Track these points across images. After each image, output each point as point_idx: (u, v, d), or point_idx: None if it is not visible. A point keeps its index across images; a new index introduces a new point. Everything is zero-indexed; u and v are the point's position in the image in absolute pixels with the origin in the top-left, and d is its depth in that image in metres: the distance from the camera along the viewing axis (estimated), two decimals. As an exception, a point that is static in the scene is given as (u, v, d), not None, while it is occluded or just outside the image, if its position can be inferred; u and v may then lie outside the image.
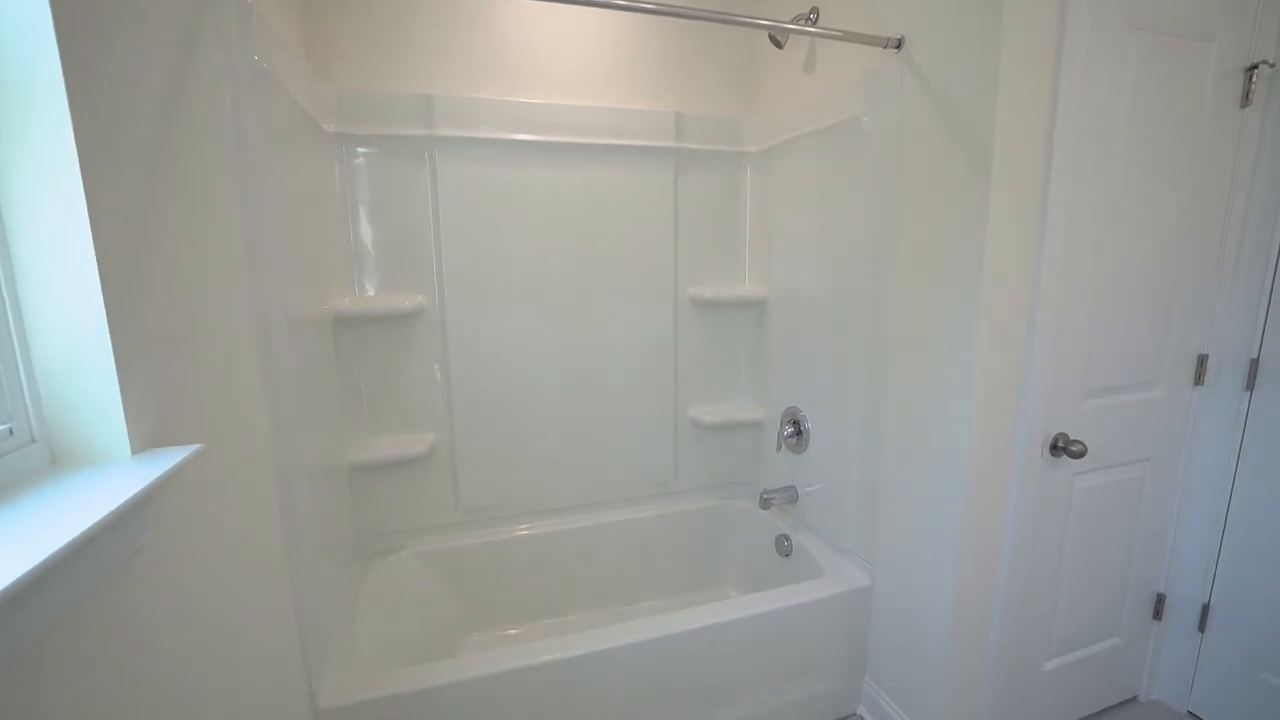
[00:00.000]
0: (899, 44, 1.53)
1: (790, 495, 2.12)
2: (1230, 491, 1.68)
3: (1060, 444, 1.51)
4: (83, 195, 0.62)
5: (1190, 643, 1.81)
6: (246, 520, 1.03)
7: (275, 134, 1.28)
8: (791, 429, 2.07)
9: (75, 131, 0.62)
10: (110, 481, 0.61)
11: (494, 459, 2.09)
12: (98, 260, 0.64)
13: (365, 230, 1.86)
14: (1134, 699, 1.91)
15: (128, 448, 0.68)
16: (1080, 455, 1.48)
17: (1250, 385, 1.61)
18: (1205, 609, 1.77)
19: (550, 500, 2.20)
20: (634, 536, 2.27)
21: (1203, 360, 1.67)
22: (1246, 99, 1.53)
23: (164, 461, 0.66)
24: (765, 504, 2.12)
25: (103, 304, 0.65)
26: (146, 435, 0.72)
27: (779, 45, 2.04)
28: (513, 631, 2.13)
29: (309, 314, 1.50)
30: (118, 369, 0.67)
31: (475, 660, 1.44)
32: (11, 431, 0.64)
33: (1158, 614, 1.85)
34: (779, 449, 2.12)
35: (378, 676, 1.39)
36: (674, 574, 2.33)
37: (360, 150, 1.82)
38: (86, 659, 0.60)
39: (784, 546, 2.09)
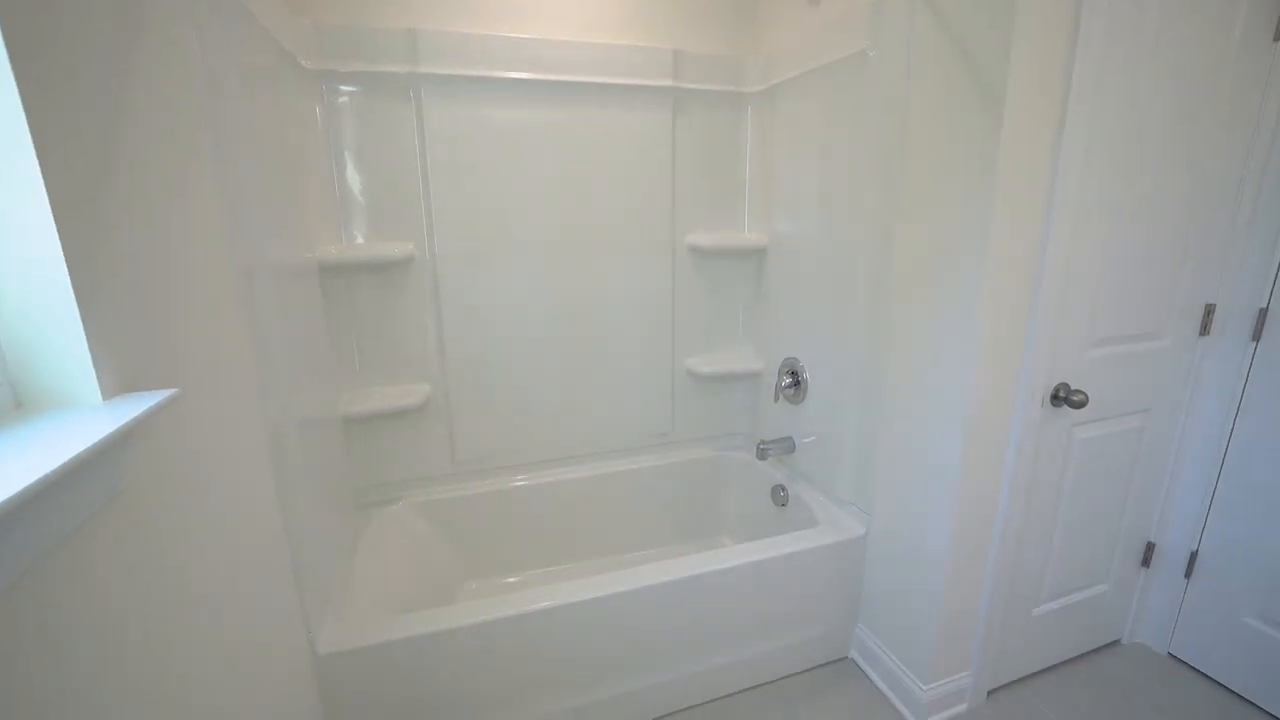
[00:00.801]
0: (912, -30, 1.43)
1: (787, 446, 2.12)
2: (1228, 441, 1.67)
3: (1062, 394, 1.49)
4: (27, 131, 0.58)
5: (1176, 589, 1.84)
6: (235, 468, 1.01)
7: (249, 71, 1.21)
8: (790, 380, 2.05)
9: (11, 61, 0.56)
10: (79, 425, 0.58)
11: (489, 410, 2.08)
12: (50, 200, 0.60)
13: (351, 175, 1.79)
14: (1117, 642, 1.96)
15: (98, 393, 0.65)
16: (1081, 405, 1.46)
17: (1257, 336, 1.59)
18: (1193, 556, 1.79)
19: (547, 451, 2.20)
20: (631, 487, 2.28)
21: (1210, 310, 1.64)
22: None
23: (136, 405, 0.63)
24: (762, 455, 2.12)
25: (59, 245, 0.61)
26: (118, 380, 0.69)
27: (784, -25, 1.93)
28: (511, 580, 2.16)
29: (293, 261, 1.45)
30: (81, 313, 0.63)
31: (472, 606, 1.46)
32: (-27, 376, 0.61)
33: (1146, 561, 1.88)
34: (777, 400, 2.10)
35: (375, 623, 1.40)
36: (671, 524, 2.35)
37: (343, 89, 1.73)
38: (61, 605, 0.58)
39: (780, 497, 2.10)
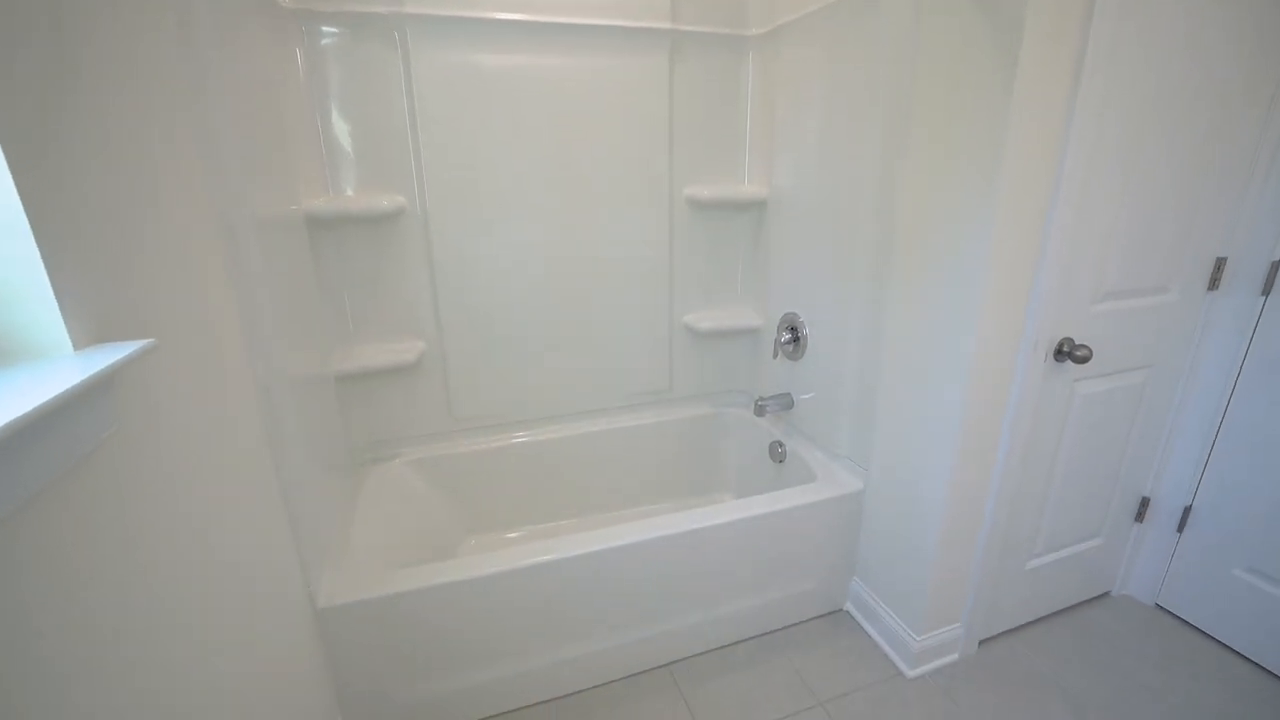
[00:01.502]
0: (927, -103, 1.34)
1: (786, 402, 2.11)
2: (1229, 397, 1.66)
3: (1065, 349, 1.47)
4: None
5: (1167, 542, 1.86)
6: (226, 422, 0.99)
7: (223, 9, 1.14)
8: (789, 336, 2.02)
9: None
10: (49, 375, 0.56)
11: (486, 367, 2.06)
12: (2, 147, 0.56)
13: (337, 123, 1.72)
14: (1106, 594, 1.99)
15: (69, 343, 0.62)
16: (1085, 361, 1.44)
17: (1267, 290, 1.56)
18: (1187, 511, 1.81)
19: (545, 409, 2.18)
20: (630, 444, 2.28)
21: (1220, 264, 1.60)
22: (1309, -33, 1.37)
23: (109, 355, 0.61)
24: (760, 411, 2.11)
25: (15, 190, 0.57)
26: (90, 331, 0.66)
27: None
28: (511, 536, 2.18)
29: (278, 213, 1.40)
30: (45, 262, 0.60)
31: (472, 561, 1.46)
32: (-63, 326, 0.58)
33: (1140, 516, 1.89)
34: (776, 356, 2.08)
35: (374, 577, 1.41)
36: (669, 480, 2.36)
37: (324, 30, 1.65)
38: (49, 549, 0.57)
39: (778, 453, 2.10)
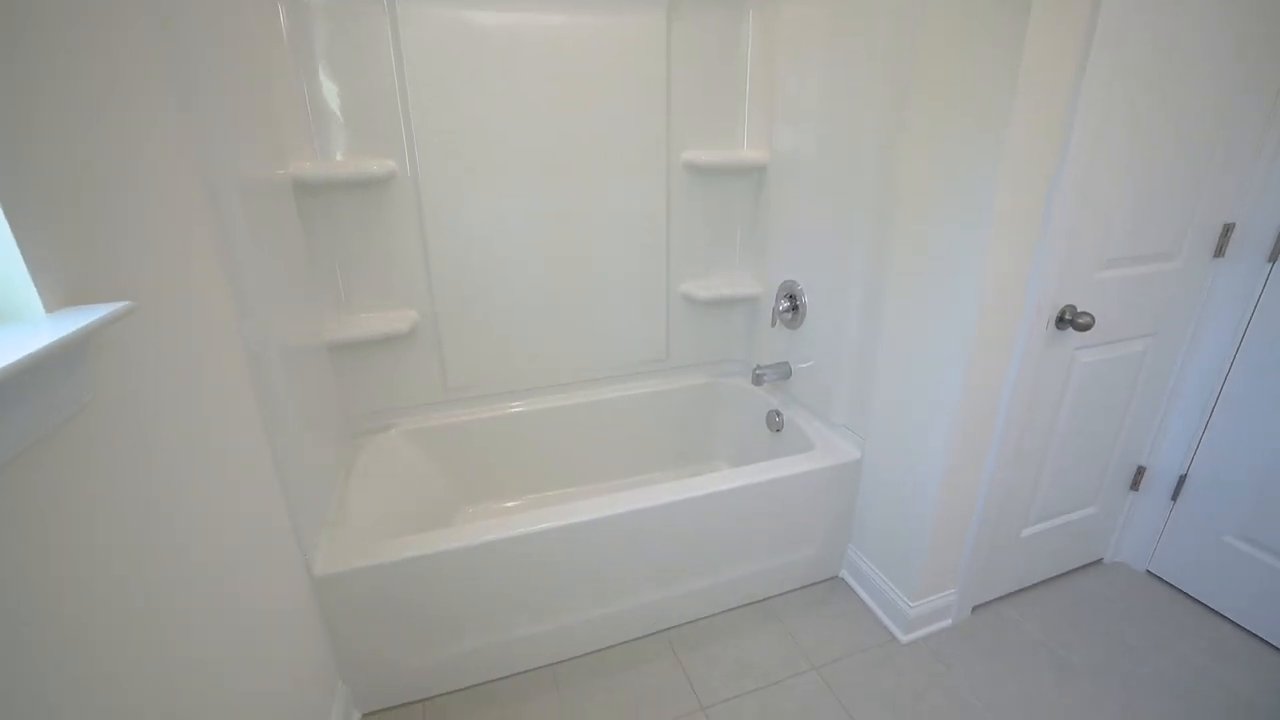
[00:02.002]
0: None
1: (783, 371, 2.09)
2: (1230, 366, 1.65)
3: (1067, 316, 1.45)
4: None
5: (1161, 510, 1.87)
6: (214, 389, 0.97)
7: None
8: (788, 304, 2.00)
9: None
10: (19, 336, 0.53)
11: (480, 336, 2.03)
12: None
13: (323, 84, 1.65)
14: (1099, 561, 2.01)
15: (39, 304, 0.60)
16: (1087, 328, 1.42)
17: (1274, 257, 1.53)
18: (1181, 480, 1.81)
19: (541, 378, 2.17)
20: (626, 413, 2.27)
21: (1228, 230, 1.57)
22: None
23: (83, 317, 0.58)
24: (758, 380, 2.10)
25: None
26: (63, 293, 0.63)
27: None
28: (509, 505, 2.18)
29: (263, 177, 1.36)
30: (9, 220, 0.57)
31: (468, 529, 1.46)
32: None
33: (1135, 485, 1.90)
34: (774, 325, 2.06)
35: (371, 545, 1.41)
36: (667, 450, 2.36)
37: (306, -17, 1.58)
38: (7, 527, 0.56)
39: (775, 422, 2.10)
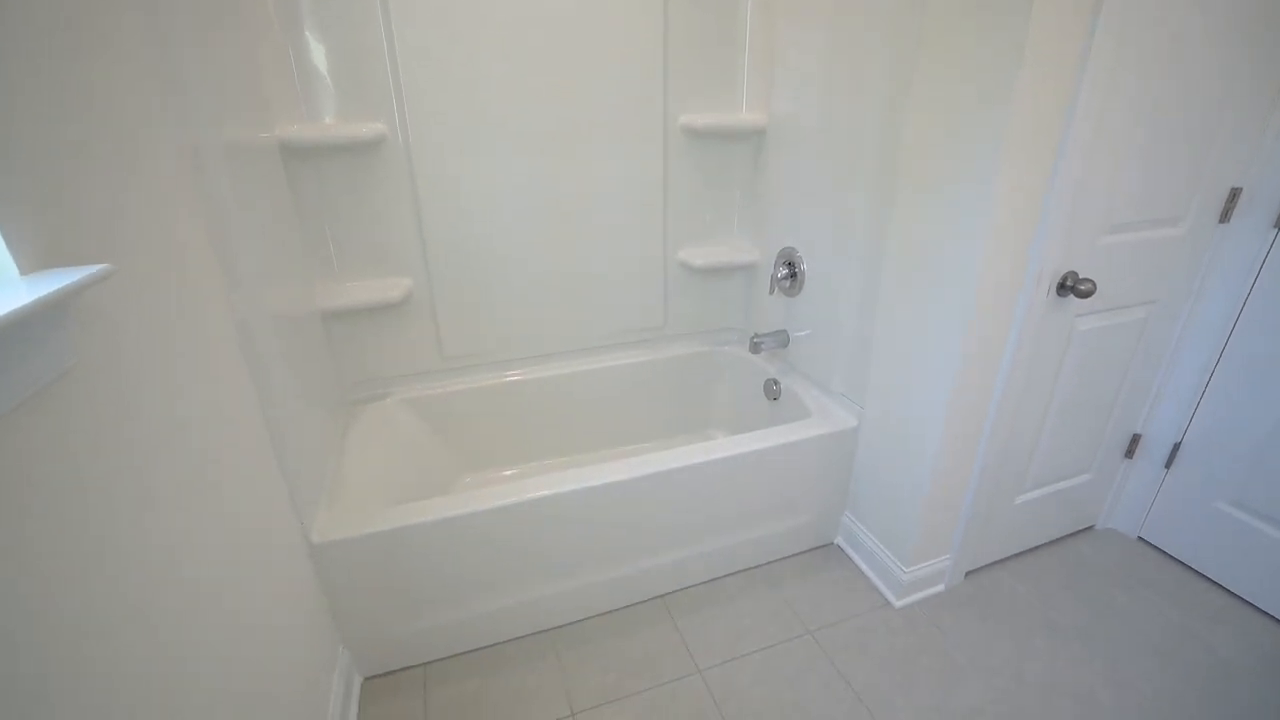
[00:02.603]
0: None
1: (781, 340, 2.08)
2: (1229, 334, 1.64)
3: (1069, 283, 1.43)
4: None
5: (1154, 478, 1.88)
6: (203, 354, 0.96)
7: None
8: (786, 271, 1.97)
9: None
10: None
11: (476, 304, 2.01)
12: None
13: (307, 43, 1.59)
14: (1091, 528, 2.03)
15: (14, 266, 0.58)
16: (1088, 295, 1.41)
17: None
18: (1176, 448, 1.82)
19: (537, 347, 2.15)
20: (624, 382, 2.26)
21: (1234, 195, 1.55)
22: None
23: (60, 279, 0.56)
24: (755, 348, 2.09)
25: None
26: (38, 256, 0.61)
27: None
28: (507, 473, 2.19)
29: (249, 138, 1.32)
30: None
31: (467, 497, 1.46)
32: None
33: (1129, 453, 1.91)
34: (772, 292, 2.04)
35: (369, 513, 1.41)
36: (664, 418, 2.36)
37: (288, -66, 1.51)
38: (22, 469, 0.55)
39: (773, 390, 2.09)
